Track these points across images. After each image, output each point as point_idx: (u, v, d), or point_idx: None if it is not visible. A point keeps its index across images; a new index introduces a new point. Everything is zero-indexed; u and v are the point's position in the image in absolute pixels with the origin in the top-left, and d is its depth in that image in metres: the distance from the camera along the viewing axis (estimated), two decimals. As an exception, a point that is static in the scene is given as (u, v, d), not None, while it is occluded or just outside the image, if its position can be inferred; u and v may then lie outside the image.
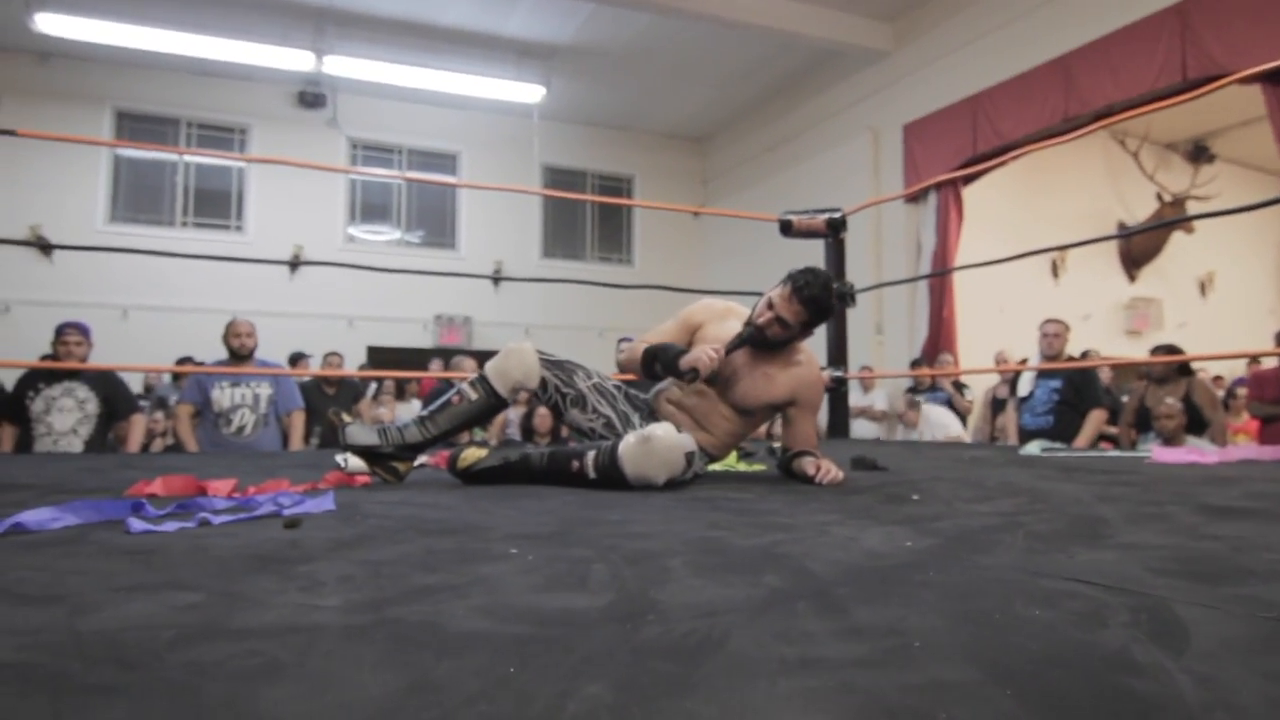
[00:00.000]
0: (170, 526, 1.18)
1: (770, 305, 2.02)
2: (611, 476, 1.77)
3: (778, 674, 0.55)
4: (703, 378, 1.99)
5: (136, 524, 1.16)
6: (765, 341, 2.04)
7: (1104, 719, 0.49)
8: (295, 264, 4.83)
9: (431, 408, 2.08)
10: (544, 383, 2.08)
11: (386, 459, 1.96)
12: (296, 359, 6.82)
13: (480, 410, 2.06)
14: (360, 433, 1.98)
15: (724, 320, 2.18)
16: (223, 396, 3.88)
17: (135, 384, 6.89)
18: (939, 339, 6.94)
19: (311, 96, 8.87)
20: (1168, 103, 3.47)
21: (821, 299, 2.00)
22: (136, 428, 3.93)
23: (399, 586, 0.81)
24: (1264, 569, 0.93)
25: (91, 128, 8.21)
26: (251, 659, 0.58)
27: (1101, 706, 0.51)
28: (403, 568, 0.91)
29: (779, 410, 2.15)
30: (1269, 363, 5.62)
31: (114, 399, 3.78)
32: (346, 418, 2.09)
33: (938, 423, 5.45)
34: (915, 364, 6.57)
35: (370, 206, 9.58)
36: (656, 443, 1.76)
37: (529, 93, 8.72)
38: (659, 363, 2.05)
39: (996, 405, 5.36)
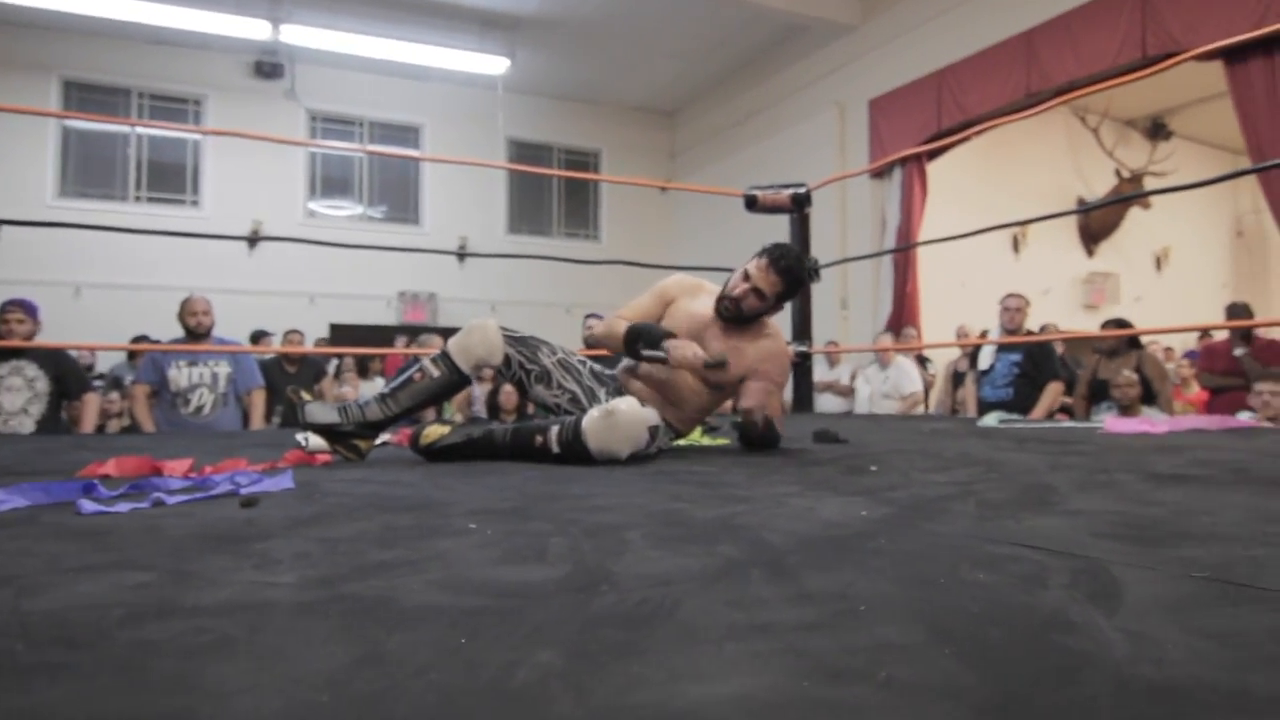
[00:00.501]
0: (123, 507, 1.16)
1: (746, 277, 2.09)
2: (575, 451, 1.78)
3: (726, 638, 0.56)
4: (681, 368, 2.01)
5: (87, 505, 1.14)
6: (739, 314, 2.10)
7: (1038, 674, 0.51)
8: (254, 240, 4.74)
9: (393, 384, 2.06)
10: (508, 359, 2.09)
11: (347, 437, 1.95)
12: (258, 337, 6.71)
13: (442, 387, 2.05)
14: (320, 411, 1.96)
15: (695, 296, 2.24)
16: (180, 376, 3.81)
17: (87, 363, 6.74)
18: (903, 313, 7.03)
19: (269, 67, 8.66)
20: (1127, 79, 3.51)
21: (796, 270, 2.10)
22: (90, 407, 3.83)
23: (354, 563, 0.81)
24: (1201, 532, 0.97)
25: (37, 98, 7.93)
26: (201, 636, 0.57)
27: (1036, 662, 0.53)
28: (360, 544, 0.91)
29: (743, 380, 2.17)
30: (1220, 335, 5.78)
31: (65, 378, 3.67)
32: (306, 396, 2.06)
33: (906, 372, 5.53)
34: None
35: (331, 180, 9.41)
36: (620, 417, 1.77)
37: (493, 64, 8.59)
38: (642, 342, 2.04)
39: (958, 378, 5.45)
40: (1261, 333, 4.91)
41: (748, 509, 1.16)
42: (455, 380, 2.06)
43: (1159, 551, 0.86)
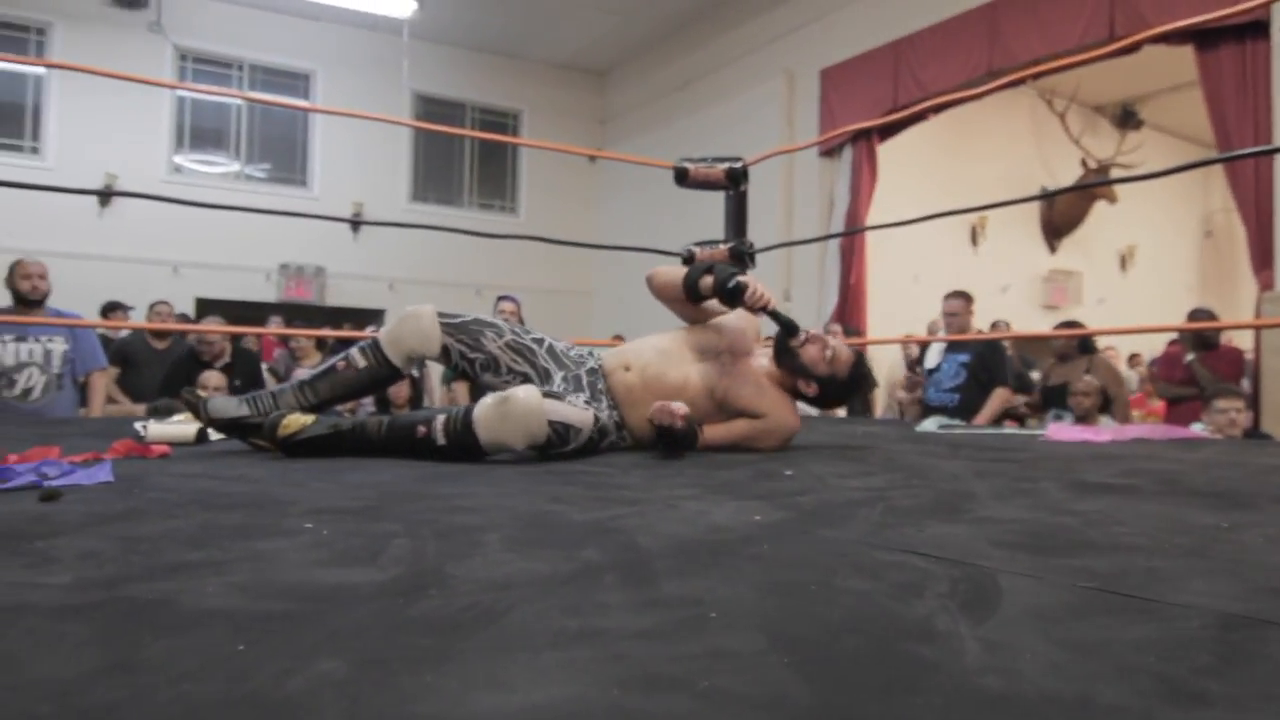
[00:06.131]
0: (-112, 499, 1.10)
1: (825, 347, 2.24)
2: (464, 442, 1.76)
3: (547, 646, 0.57)
4: (759, 306, 2.14)
5: None
6: (789, 360, 2.23)
7: (877, 684, 0.52)
8: (106, 194, 4.55)
9: (314, 372, 2.08)
10: (445, 349, 2.09)
11: (258, 430, 1.90)
12: (109, 310, 6.44)
13: (369, 380, 2.10)
14: (225, 405, 1.96)
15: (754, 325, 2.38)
16: (4, 353, 3.63)
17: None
18: (848, 307, 7.18)
19: (130, -6, 8.30)
20: (1092, 55, 3.67)
21: (850, 385, 2.28)
22: None
23: (149, 563, 0.79)
24: (1105, 542, 1.02)
25: None
26: (-74, 641, 0.55)
27: (880, 672, 0.54)
28: (164, 544, 0.88)
29: (743, 415, 2.19)
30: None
31: None
32: (202, 392, 2.04)
33: None
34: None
35: (202, 132, 9.07)
36: (514, 405, 1.75)
37: (398, 6, 8.43)
38: (713, 275, 2.14)
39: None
40: (1225, 338, 5.17)
41: (632, 512, 1.17)
42: (385, 374, 2.09)
43: (1053, 561, 0.90)
